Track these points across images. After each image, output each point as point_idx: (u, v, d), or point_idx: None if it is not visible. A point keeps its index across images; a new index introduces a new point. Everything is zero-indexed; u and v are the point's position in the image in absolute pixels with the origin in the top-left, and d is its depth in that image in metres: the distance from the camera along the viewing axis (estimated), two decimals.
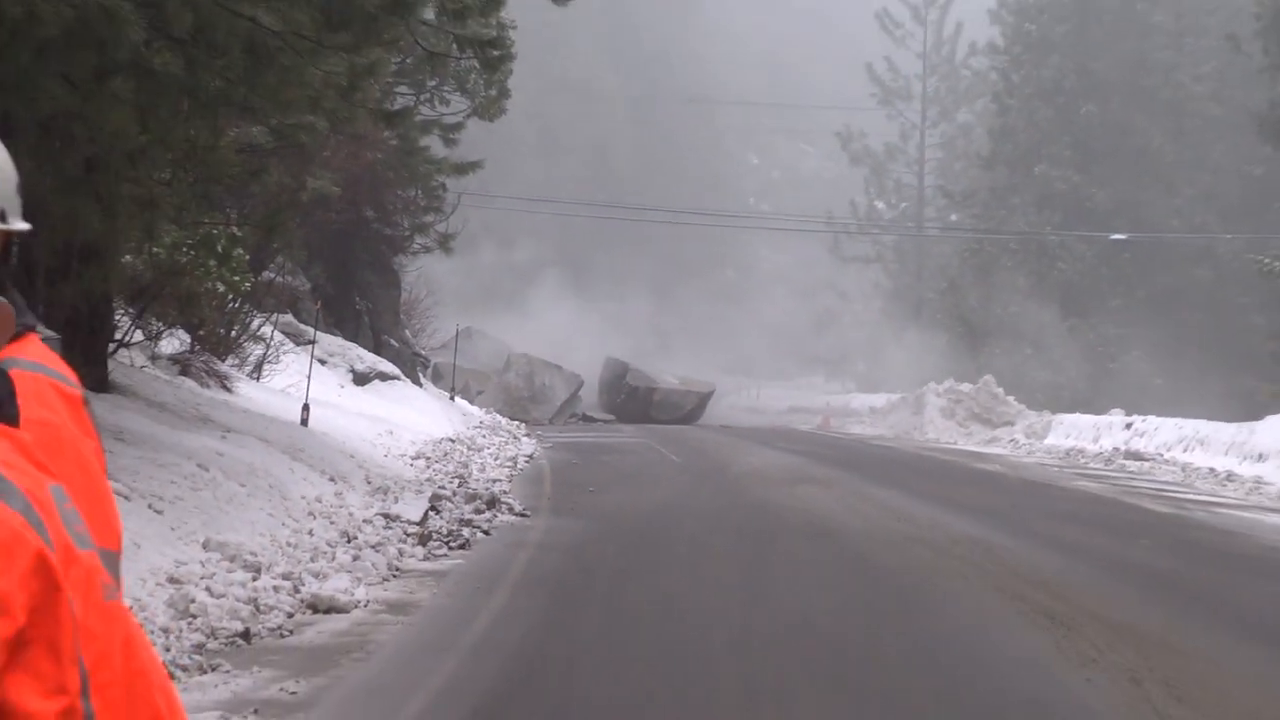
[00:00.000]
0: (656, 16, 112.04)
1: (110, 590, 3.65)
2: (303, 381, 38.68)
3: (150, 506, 20.44)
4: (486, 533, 27.66)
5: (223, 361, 39.42)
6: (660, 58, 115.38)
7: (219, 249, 32.91)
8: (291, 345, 45.40)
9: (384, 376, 52.95)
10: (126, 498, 19.52)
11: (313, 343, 43.04)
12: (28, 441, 3.70)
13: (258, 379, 41.50)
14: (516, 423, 58.18)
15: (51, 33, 20.46)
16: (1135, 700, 15.39)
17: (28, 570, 3.47)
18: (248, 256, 35.99)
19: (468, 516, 29.02)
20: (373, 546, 23.86)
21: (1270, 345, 75.39)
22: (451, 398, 60.52)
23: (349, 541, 23.92)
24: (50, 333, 4.34)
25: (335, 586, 19.74)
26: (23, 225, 4.30)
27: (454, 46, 39.04)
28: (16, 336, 4.25)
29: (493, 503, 31.61)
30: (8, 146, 4.28)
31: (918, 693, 15.91)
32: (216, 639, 16.58)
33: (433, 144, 52.66)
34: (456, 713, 13.81)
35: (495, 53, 39.39)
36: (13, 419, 3.70)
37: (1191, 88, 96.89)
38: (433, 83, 47.18)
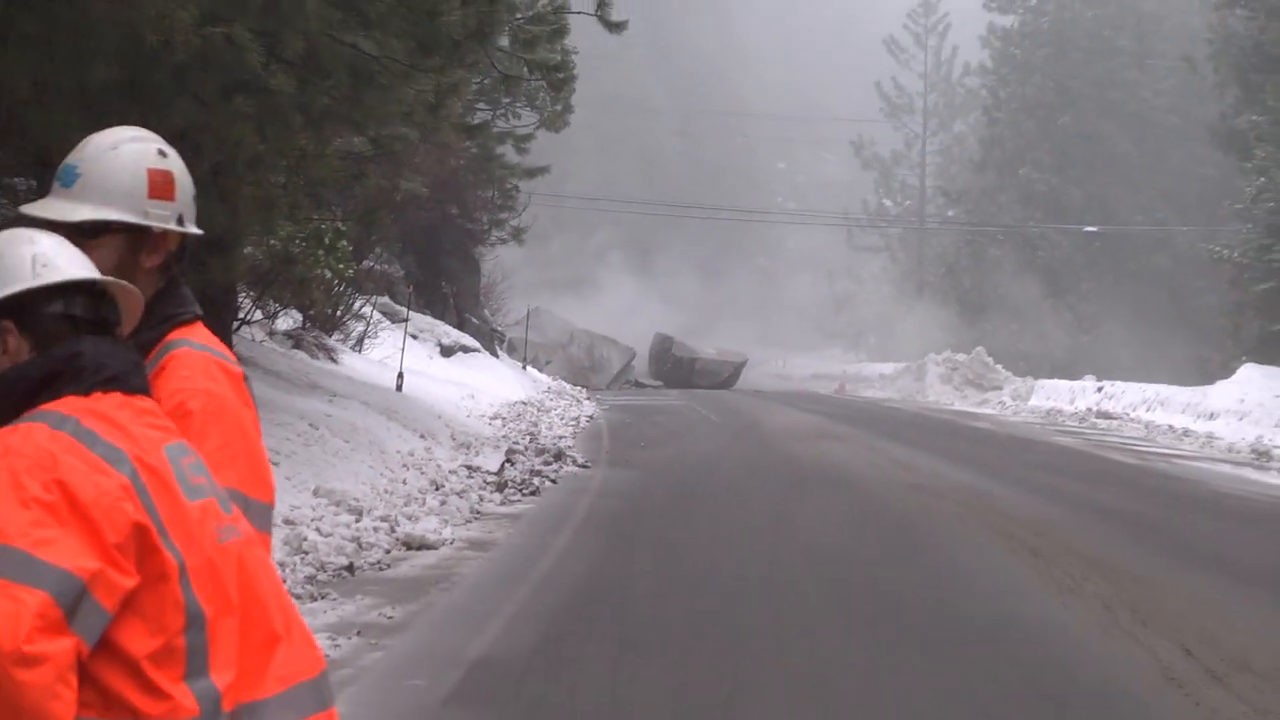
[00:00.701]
0: (697, 42, 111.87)
1: (226, 532, 3.69)
2: (397, 353, 38.68)
3: (269, 460, 20.48)
4: (554, 481, 27.67)
5: (329, 337, 39.47)
6: (700, 77, 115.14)
7: (326, 241, 33.00)
8: (388, 323, 45.38)
9: (466, 349, 52.89)
10: None
11: (406, 320, 43.09)
12: (152, 408, 3.77)
13: (359, 351, 41.52)
14: (579, 388, 58.16)
15: (184, 58, 20.49)
16: (1106, 623, 15.38)
17: (128, 532, 3.56)
18: (350, 247, 36.03)
19: (537, 468, 29.03)
20: (457, 493, 23.90)
21: (1220, 321, 75.08)
22: (524, 367, 60.38)
23: (437, 489, 23.95)
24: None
25: (425, 527, 19.78)
26: (197, 230, 4.34)
27: (525, 70, 38.89)
28: (187, 322, 4.31)
29: (559, 456, 31.63)
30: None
31: (919, 614, 15.92)
32: (325, 572, 16.67)
33: (507, 152, 52.67)
34: (529, 634, 13.83)
35: (560, 75, 39.38)
36: (143, 389, 3.73)
37: (1152, 102, 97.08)
38: (507, 100, 47.07)
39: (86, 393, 3.68)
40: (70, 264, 3.79)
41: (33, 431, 3.58)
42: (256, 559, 3.81)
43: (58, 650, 3.41)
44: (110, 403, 3.69)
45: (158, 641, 3.50)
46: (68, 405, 3.65)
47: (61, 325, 3.74)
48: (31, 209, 4.32)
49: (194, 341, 4.21)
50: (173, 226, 4.25)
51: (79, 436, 3.57)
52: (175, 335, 4.21)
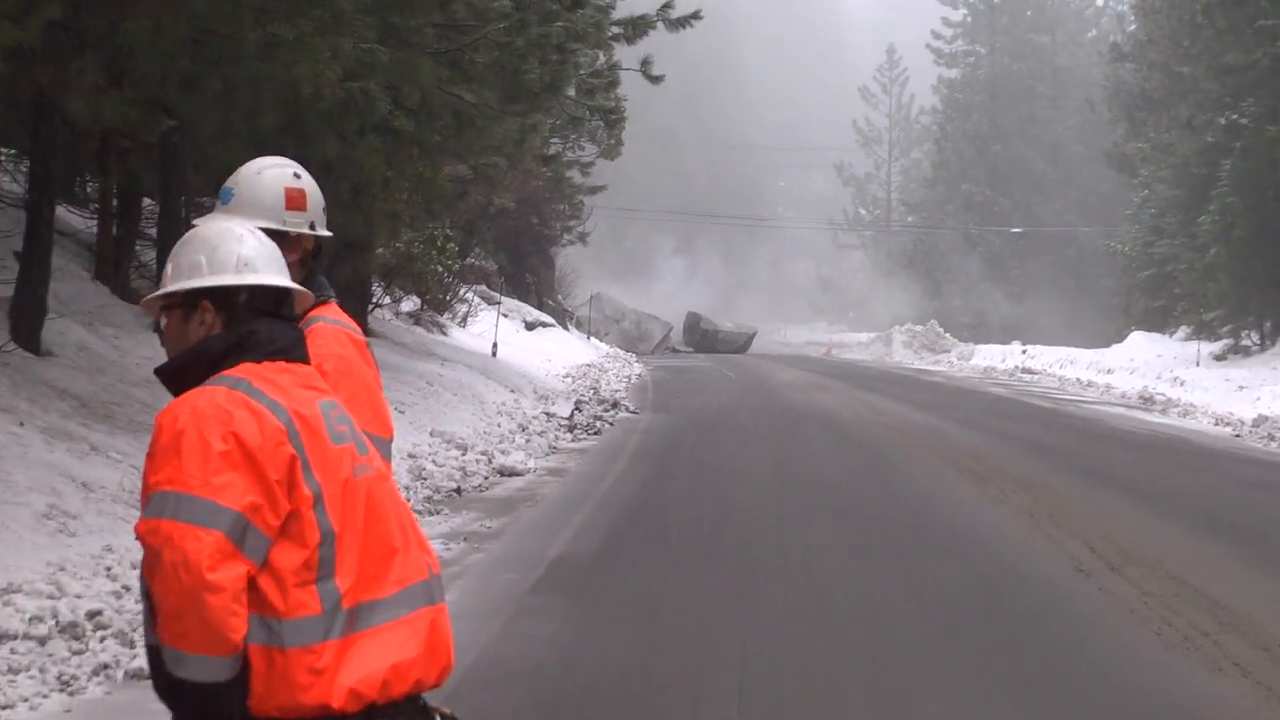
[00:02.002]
0: (715, 90, 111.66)
1: (360, 470, 3.75)
2: (492, 328, 38.72)
3: (396, 409, 20.53)
4: (611, 424, 27.67)
5: (441, 316, 39.59)
6: (718, 117, 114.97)
7: (438, 244, 33.22)
8: (485, 305, 45.45)
9: (544, 325, 52.86)
10: None
11: (499, 303, 43.12)
12: (310, 373, 3.84)
13: (463, 327, 41.61)
14: (629, 354, 58.11)
15: (330, 106, 20.49)
16: (1028, 526, 15.40)
17: (285, 468, 3.62)
18: (456, 248, 36.21)
19: (599, 413, 29.04)
20: (538, 433, 23.99)
21: (1115, 299, 75.31)
22: (588, 338, 60.28)
23: (523, 430, 24.03)
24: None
25: (514, 459, 19.84)
26: (327, 233, 4.39)
27: (587, 113, 38.84)
28: (323, 303, 4.36)
29: (615, 404, 31.66)
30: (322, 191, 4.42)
31: (886, 516, 15.98)
32: (439, 493, 16.76)
33: (574, 175, 52.63)
34: (594, 540, 13.88)
35: (613, 116, 39.35)
36: (303, 358, 3.78)
37: (1063, 134, 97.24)
38: (573, 136, 47.06)
39: (259, 361, 3.74)
40: (267, 268, 3.85)
41: (214, 394, 3.64)
42: (385, 490, 3.82)
43: (233, 576, 3.51)
44: (276, 369, 3.74)
45: (300, 556, 3.56)
46: (243, 370, 3.71)
47: (246, 309, 3.79)
48: (201, 221, 4.40)
49: (328, 317, 4.26)
50: (305, 230, 4.31)
51: (250, 394, 3.64)
52: (314, 313, 4.27)
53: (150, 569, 3.56)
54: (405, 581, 3.71)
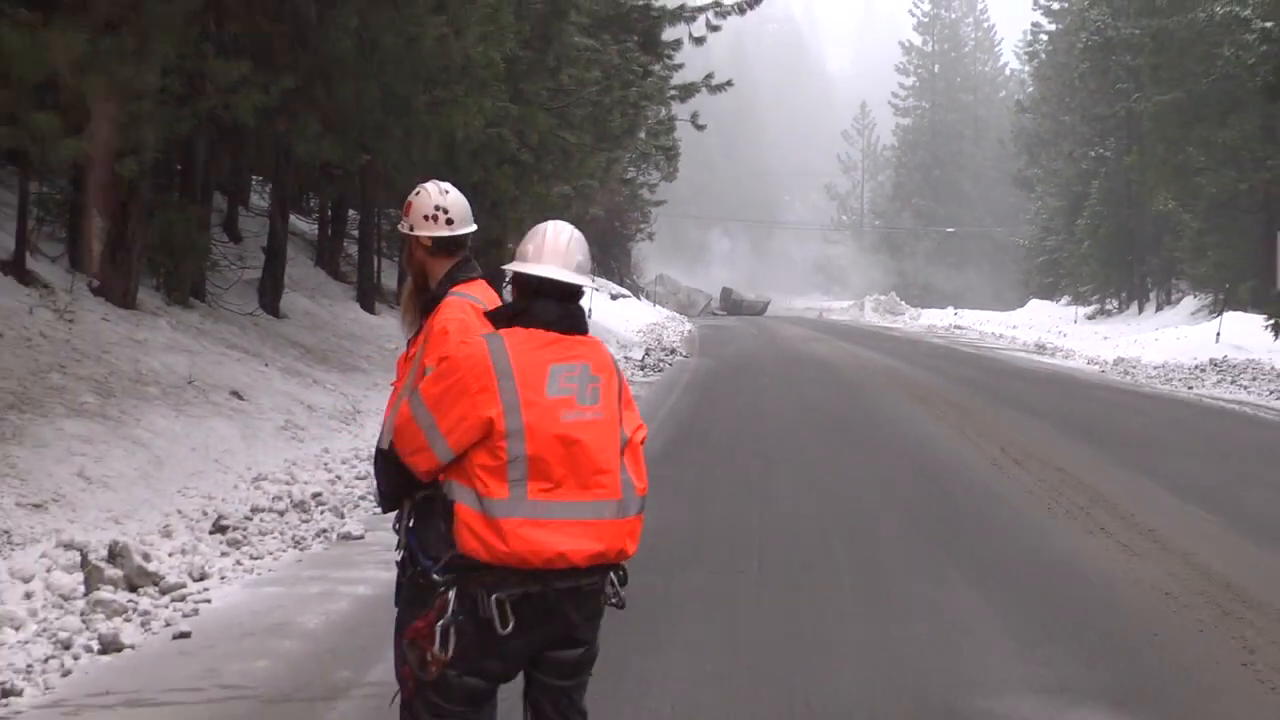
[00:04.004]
0: (742, 131, 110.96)
1: (570, 414, 3.52)
2: (587, 300, 38.72)
3: None
4: (670, 365, 27.63)
5: None
6: (744, 150, 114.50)
7: None
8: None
9: (624, 297, 52.79)
10: None
11: (593, 282, 43.13)
12: (559, 339, 3.64)
13: None
14: (682, 316, 58.02)
15: (476, 146, 20.44)
16: (959, 434, 15.28)
17: (493, 381, 3.49)
18: None
19: (661, 357, 28.99)
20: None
21: (1019, 278, 75.98)
22: (653, 306, 60.19)
23: None
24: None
25: None
26: (472, 227, 4.30)
27: (653, 150, 38.69)
28: (469, 279, 4.24)
29: (672, 351, 31.60)
30: (471, 206, 4.35)
31: (860, 427, 15.87)
32: None
33: (644, 192, 52.46)
34: (659, 444, 13.74)
35: (671, 152, 39.19)
36: (561, 329, 3.66)
37: (983, 163, 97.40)
38: (643, 165, 46.87)
39: (526, 326, 3.60)
40: (549, 261, 3.71)
41: (480, 344, 3.54)
42: (593, 435, 3.55)
43: (423, 459, 3.53)
44: (533, 333, 3.58)
45: (492, 464, 3.42)
46: (511, 332, 3.58)
47: (530, 288, 3.67)
48: (401, 227, 4.34)
49: (462, 291, 4.15)
50: (405, 230, 4.24)
51: (493, 343, 3.52)
52: (456, 288, 4.17)
53: None
54: (594, 496, 3.49)
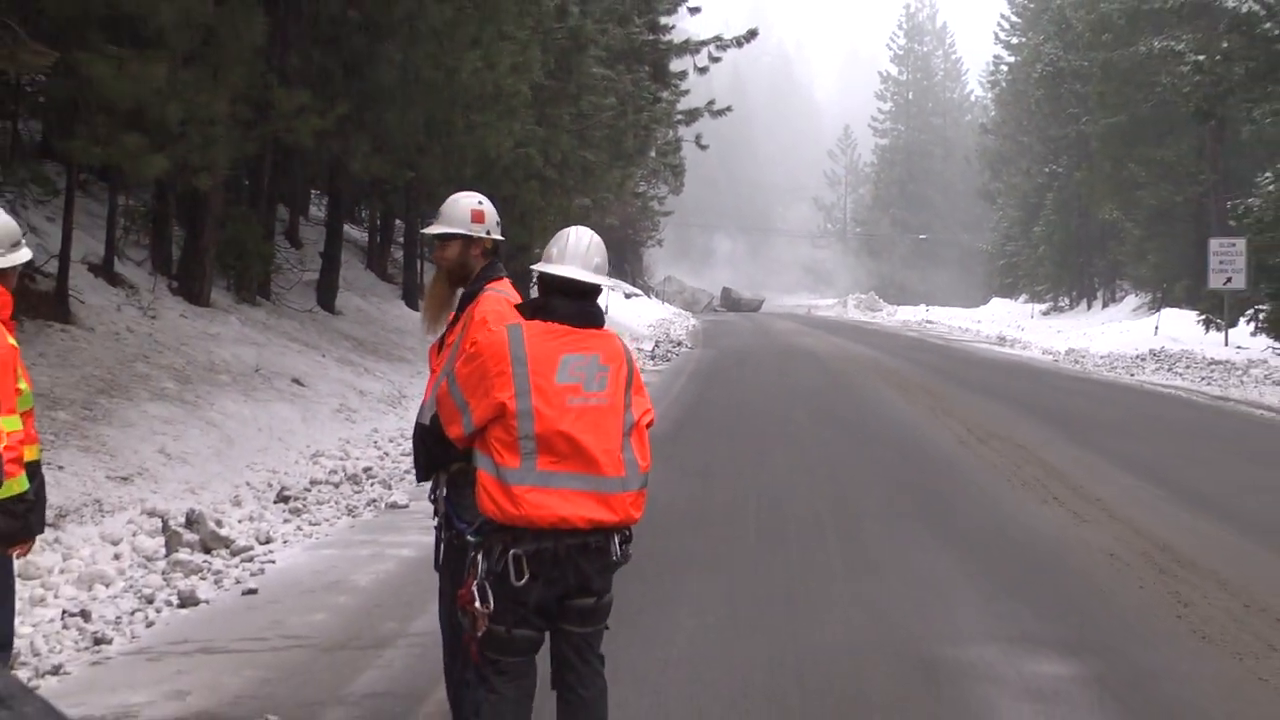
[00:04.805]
0: (741, 149, 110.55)
1: (576, 400, 3.49)
2: (604, 298, 38.59)
3: None
4: (676, 355, 27.59)
5: None
6: (743, 165, 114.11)
7: None
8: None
9: (636, 295, 52.63)
10: None
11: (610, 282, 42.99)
12: (570, 331, 3.61)
13: None
14: (688, 313, 57.92)
15: (507, 163, 20.40)
16: (931, 416, 15.20)
17: (509, 367, 3.49)
18: None
19: (669, 348, 28.97)
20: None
21: (982, 279, 75.60)
22: (662, 304, 60.08)
23: None
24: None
25: None
26: (500, 237, 4.32)
27: (662, 167, 38.57)
28: (498, 278, 4.27)
29: (679, 343, 31.55)
30: (502, 216, 4.37)
31: (844, 410, 15.78)
32: None
33: (654, 204, 52.37)
34: (668, 424, 13.70)
35: (678, 168, 39.13)
36: (575, 324, 3.61)
37: (951, 178, 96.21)
38: (654, 181, 46.85)
39: (545, 319, 3.58)
40: (570, 263, 3.67)
41: (504, 333, 3.55)
42: (596, 418, 3.52)
43: (455, 429, 3.56)
44: (551, 326, 3.56)
45: (506, 439, 3.43)
46: (531, 324, 3.58)
47: (552, 286, 3.65)
48: (427, 230, 4.37)
49: (496, 288, 4.17)
50: (483, 234, 4.24)
51: (513, 333, 3.52)
52: (490, 285, 4.18)
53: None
54: (598, 471, 3.46)
